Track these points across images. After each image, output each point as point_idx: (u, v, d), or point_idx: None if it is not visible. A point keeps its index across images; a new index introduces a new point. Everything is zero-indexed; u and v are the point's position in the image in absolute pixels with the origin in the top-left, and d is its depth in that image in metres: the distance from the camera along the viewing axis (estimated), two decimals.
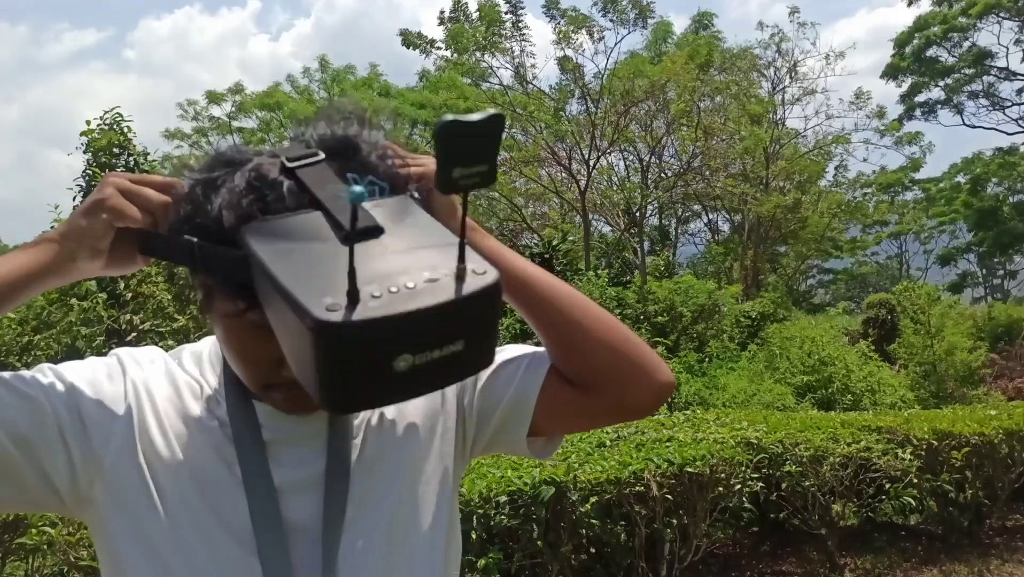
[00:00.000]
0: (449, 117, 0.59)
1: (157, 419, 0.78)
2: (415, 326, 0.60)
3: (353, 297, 0.59)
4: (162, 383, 0.81)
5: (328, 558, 0.77)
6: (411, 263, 0.64)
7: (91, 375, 0.78)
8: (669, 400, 7.18)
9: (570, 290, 0.90)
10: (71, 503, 0.76)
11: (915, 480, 4.74)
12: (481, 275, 0.64)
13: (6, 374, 0.74)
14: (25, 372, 0.76)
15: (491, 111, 0.62)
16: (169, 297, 4.36)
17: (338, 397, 0.62)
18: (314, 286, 0.60)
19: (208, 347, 0.87)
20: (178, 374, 0.83)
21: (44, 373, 0.76)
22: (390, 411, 0.88)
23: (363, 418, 0.86)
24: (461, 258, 0.64)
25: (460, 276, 0.63)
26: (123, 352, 0.83)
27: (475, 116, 0.61)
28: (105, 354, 0.86)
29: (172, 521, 0.75)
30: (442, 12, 17.93)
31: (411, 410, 0.89)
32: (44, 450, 0.72)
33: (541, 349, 0.91)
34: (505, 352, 0.92)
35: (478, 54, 17.91)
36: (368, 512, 0.81)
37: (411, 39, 18.32)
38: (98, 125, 6.05)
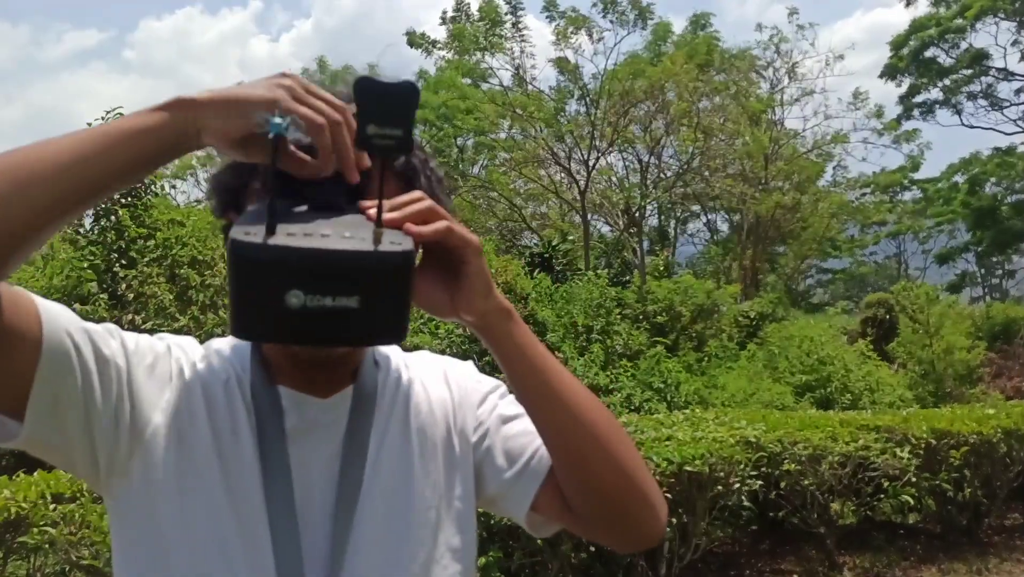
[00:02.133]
0: (365, 75, 0.65)
1: (193, 401, 0.81)
2: (311, 265, 0.64)
3: (270, 230, 0.64)
4: (200, 368, 0.84)
5: (337, 544, 0.79)
6: (344, 227, 0.68)
7: (146, 350, 0.80)
8: (668, 400, 7.18)
9: (596, 412, 0.82)
10: (104, 471, 0.77)
11: (914, 479, 4.75)
12: (395, 244, 0.67)
13: (91, 326, 0.74)
14: (98, 327, 0.76)
15: (406, 79, 0.67)
16: (171, 297, 4.37)
17: (242, 322, 0.66)
18: (256, 226, 0.65)
19: (232, 339, 0.89)
20: (213, 360, 0.85)
21: (113, 335, 0.77)
22: (410, 405, 0.90)
23: (383, 410, 0.88)
24: (378, 223, 0.67)
25: (376, 239, 0.66)
26: (168, 337, 0.86)
27: (390, 80, 0.66)
28: None
29: (192, 498, 0.78)
30: (444, 12, 18.01)
31: (430, 405, 0.91)
32: (104, 412, 0.74)
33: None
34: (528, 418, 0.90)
35: (479, 54, 17.93)
36: (381, 502, 0.83)
37: (416, 40, 18.40)
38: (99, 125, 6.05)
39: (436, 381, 0.94)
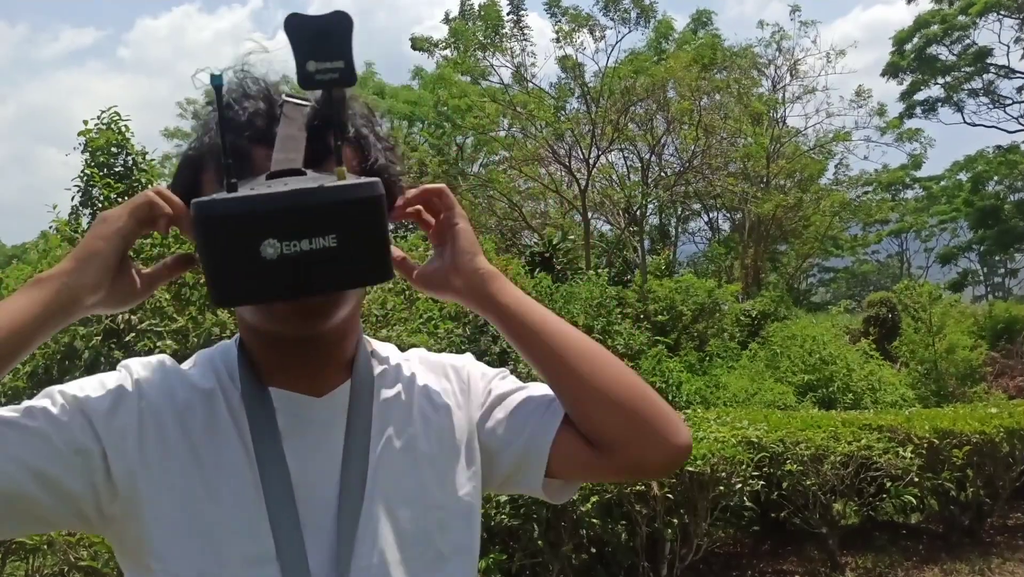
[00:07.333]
0: (295, 13, 0.65)
1: (167, 418, 0.79)
2: (281, 208, 0.63)
3: (231, 187, 0.64)
4: (173, 383, 0.81)
5: (342, 545, 0.78)
6: (305, 181, 0.66)
7: (99, 390, 0.78)
8: (670, 399, 7.16)
9: (587, 342, 0.87)
10: (97, 522, 0.77)
11: (916, 479, 4.74)
12: (359, 182, 0.66)
13: (12, 414, 0.74)
14: (33, 403, 0.76)
15: (337, 10, 0.67)
16: (168, 297, 4.35)
17: (221, 288, 0.63)
18: (218, 194, 0.65)
19: (220, 347, 0.88)
20: (190, 373, 0.83)
21: (52, 397, 0.76)
22: (413, 400, 0.89)
23: (384, 406, 0.86)
24: (338, 161, 0.67)
25: (340, 177, 0.66)
26: (132, 361, 0.84)
27: (321, 14, 0.66)
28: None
29: (188, 513, 0.76)
30: (448, 12, 18.06)
31: (434, 399, 0.90)
32: (65, 478, 0.73)
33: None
34: (528, 389, 0.93)
35: (479, 53, 17.92)
36: (386, 498, 0.82)
37: (420, 43, 18.50)
38: (95, 125, 6.02)
39: (437, 374, 0.94)
